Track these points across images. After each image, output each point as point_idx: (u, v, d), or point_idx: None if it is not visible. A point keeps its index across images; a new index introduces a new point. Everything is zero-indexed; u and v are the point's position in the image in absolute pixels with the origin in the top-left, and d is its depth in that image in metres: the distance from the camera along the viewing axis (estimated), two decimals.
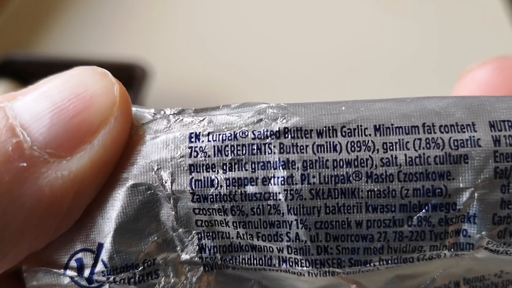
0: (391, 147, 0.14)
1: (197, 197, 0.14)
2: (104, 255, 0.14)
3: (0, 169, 0.12)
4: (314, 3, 0.55)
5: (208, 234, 0.15)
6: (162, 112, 0.15)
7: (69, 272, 0.15)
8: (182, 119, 0.15)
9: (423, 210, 0.14)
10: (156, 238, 0.15)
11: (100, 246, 0.14)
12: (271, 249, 0.15)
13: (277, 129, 0.14)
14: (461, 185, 0.14)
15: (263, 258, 0.15)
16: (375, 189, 0.14)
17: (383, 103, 0.15)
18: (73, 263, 0.15)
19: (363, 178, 0.14)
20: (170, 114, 0.15)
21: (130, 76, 0.45)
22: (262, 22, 0.54)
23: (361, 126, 0.14)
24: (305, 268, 0.15)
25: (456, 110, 0.14)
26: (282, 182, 0.14)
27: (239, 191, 0.14)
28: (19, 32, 0.53)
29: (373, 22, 0.53)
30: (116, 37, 0.53)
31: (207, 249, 0.15)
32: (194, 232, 0.15)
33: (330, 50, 0.50)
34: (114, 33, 0.53)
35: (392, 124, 0.14)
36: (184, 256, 0.15)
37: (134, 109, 0.15)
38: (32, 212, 0.13)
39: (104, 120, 0.14)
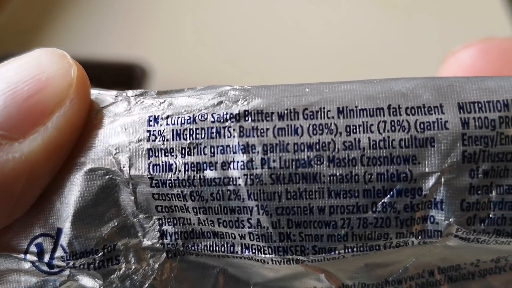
0: (354, 130, 0.13)
1: (156, 182, 0.14)
2: (63, 240, 0.14)
3: None
4: (313, 3, 0.55)
5: (169, 220, 0.14)
6: (124, 94, 0.15)
7: (30, 257, 0.14)
8: (143, 101, 0.14)
9: (388, 196, 0.13)
10: (116, 223, 0.14)
11: (59, 231, 0.14)
12: (233, 236, 0.14)
13: (237, 112, 0.14)
14: (427, 169, 0.13)
15: (225, 245, 0.14)
16: (338, 174, 0.13)
17: (349, 84, 0.14)
18: (33, 248, 0.14)
19: (325, 162, 0.13)
20: (131, 96, 0.15)
21: (130, 76, 0.45)
22: (262, 22, 0.53)
23: (324, 108, 0.13)
24: (268, 255, 0.14)
25: (423, 92, 0.13)
26: (242, 167, 0.13)
27: (198, 176, 0.14)
28: (19, 32, 0.54)
29: (372, 21, 0.52)
30: (116, 37, 0.53)
31: (168, 235, 0.14)
32: (154, 217, 0.14)
33: (330, 48, 0.50)
34: (114, 33, 0.53)
35: (356, 106, 0.13)
36: (146, 242, 0.15)
37: (96, 92, 0.15)
38: None
39: (59, 102, 0.13)
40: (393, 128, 0.13)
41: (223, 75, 0.47)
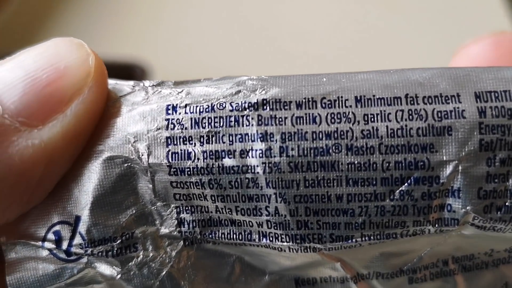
0: (372, 119, 0.13)
1: (174, 170, 0.14)
2: (82, 228, 0.14)
3: None
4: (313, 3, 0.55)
5: (186, 208, 0.14)
6: (141, 84, 0.15)
7: (47, 245, 0.14)
8: (161, 91, 0.15)
9: (405, 184, 0.13)
10: (134, 211, 0.14)
11: (78, 218, 0.14)
12: (250, 224, 0.14)
13: (256, 101, 0.14)
14: (444, 157, 0.13)
15: (242, 233, 0.15)
16: (356, 162, 0.13)
17: (366, 74, 0.14)
18: (50, 236, 0.14)
19: (343, 150, 0.13)
20: (148, 86, 0.15)
21: (130, 76, 0.45)
22: (263, 22, 0.53)
23: (341, 97, 0.14)
24: (285, 243, 0.14)
25: (440, 81, 0.13)
26: (260, 155, 0.13)
27: (217, 164, 0.14)
28: (19, 32, 0.54)
29: (373, 18, 0.52)
30: (116, 37, 0.53)
31: (186, 223, 0.15)
32: (172, 205, 0.14)
33: (331, 45, 0.50)
34: (114, 33, 0.53)
35: (373, 95, 0.14)
36: (163, 230, 0.15)
37: (113, 82, 0.15)
38: (2, 181, 0.13)
39: (78, 90, 0.13)
40: (410, 117, 0.13)
41: (223, 74, 0.47)
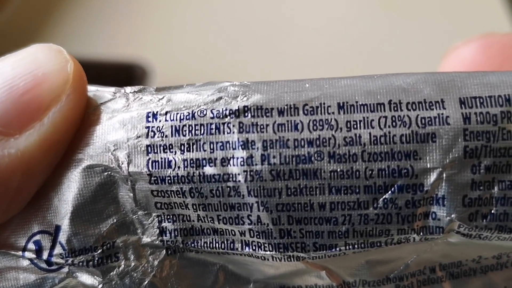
0: (355, 126, 0.13)
1: (155, 178, 0.14)
2: (62, 237, 0.14)
3: None
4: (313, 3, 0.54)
5: (168, 217, 0.14)
6: (122, 90, 0.15)
7: (28, 254, 0.14)
8: (141, 98, 0.14)
9: (389, 192, 0.13)
10: (115, 220, 0.14)
11: (58, 228, 0.14)
12: (233, 232, 0.14)
13: (237, 108, 0.14)
14: (428, 165, 0.13)
15: (225, 242, 0.14)
16: (338, 170, 0.13)
17: (349, 80, 0.14)
18: (31, 245, 0.14)
19: (325, 158, 0.13)
20: (129, 92, 0.15)
21: (130, 76, 0.45)
22: (262, 21, 0.53)
23: (324, 103, 0.13)
24: (268, 252, 0.14)
25: (424, 87, 0.13)
26: (242, 163, 0.13)
27: (197, 172, 0.13)
28: (19, 32, 0.53)
29: (371, 18, 0.52)
30: (116, 37, 0.53)
31: (167, 232, 0.14)
32: (154, 214, 0.14)
33: (328, 46, 0.50)
34: (114, 33, 0.53)
35: (356, 102, 0.13)
36: (145, 239, 0.14)
37: (94, 88, 0.15)
38: None
39: (56, 97, 0.13)
40: (394, 123, 0.13)
41: (223, 74, 0.47)
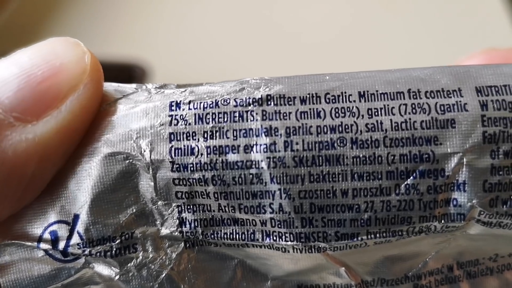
0: (376, 113, 0.13)
1: (177, 166, 0.14)
2: (80, 227, 0.14)
3: None
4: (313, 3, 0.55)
5: (188, 207, 0.14)
6: (144, 86, 0.15)
7: (43, 245, 0.14)
8: (164, 91, 0.15)
9: (411, 177, 0.13)
10: (134, 210, 0.14)
11: (76, 217, 0.14)
12: (254, 222, 0.14)
13: (260, 97, 0.14)
14: (449, 150, 0.13)
15: (245, 233, 0.14)
16: (361, 155, 0.13)
17: (368, 72, 0.14)
18: (47, 236, 0.14)
19: (348, 144, 0.13)
20: (151, 88, 0.15)
21: (130, 76, 0.45)
22: (263, 21, 0.53)
23: (345, 92, 0.14)
24: (289, 242, 0.14)
25: (441, 77, 0.14)
26: (265, 150, 0.13)
27: (220, 159, 0.14)
28: (19, 31, 0.54)
29: (372, 20, 0.52)
30: (116, 37, 0.53)
31: (187, 223, 0.14)
32: (174, 204, 0.14)
33: (330, 46, 0.49)
34: (113, 33, 0.53)
35: (376, 91, 0.14)
36: (164, 231, 0.14)
37: (116, 84, 0.15)
38: None
39: (73, 87, 0.14)
40: (414, 110, 0.13)
41: (223, 74, 0.46)
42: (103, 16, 0.55)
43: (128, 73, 0.45)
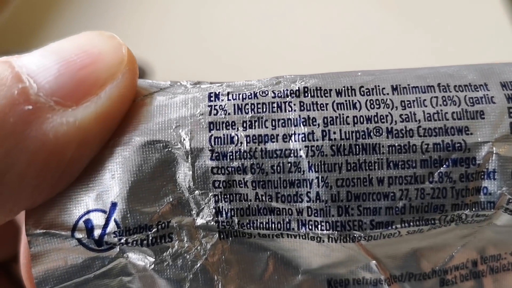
0: (409, 105, 0.14)
1: (217, 154, 0.14)
2: (117, 215, 0.14)
3: (4, 111, 0.12)
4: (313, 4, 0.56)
5: (225, 196, 0.14)
6: (179, 82, 0.15)
7: (77, 234, 0.14)
8: (200, 86, 0.15)
9: (444, 165, 0.14)
10: (171, 199, 0.14)
11: (113, 205, 0.14)
12: (290, 212, 0.14)
13: (297, 88, 0.14)
14: (479, 139, 0.14)
15: (281, 222, 0.14)
16: (396, 144, 0.14)
17: (398, 69, 0.15)
18: (81, 224, 0.14)
19: (383, 133, 0.14)
20: (187, 83, 0.15)
21: None
22: (263, 21, 0.53)
23: (378, 86, 0.14)
24: (325, 231, 0.14)
25: (468, 73, 0.15)
26: (303, 139, 0.14)
27: (260, 147, 0.14)
28: (19, 32, 0.53)
29: (372, 23, 0.52)
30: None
31: (224, 212, 0.14)
32: (211, 194, 0.14)
33: (331, 47, 0.49)
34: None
35: (408, 84, 0.14)
36: (200, 221, 0.14)
37: (150, 81, 0.15)
38: (35, 156, 0.12)
39: (112, 75, 0.14)
40: (444, 102, 0.14)
41: (223, 75, 0.46)
42: (103, 16, 0.55)
43: None
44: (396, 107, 0.14)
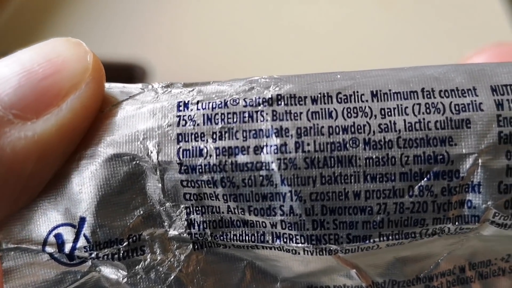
0: (389, 113, 0.13)
1: (185, 167, 0.13)
2: (87, 230, 0.14)
3: None
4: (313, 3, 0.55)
5: (197, 209, 0.14)
6: (150, 86, 0.15)
7: (48, 249, 0.14)
8: (171, 91, 0.14)
9: (425, 179, 0.13)
10: (142, 212, 0.14)
11: (82, 220, 0.14)
12: (263, 224, 0.14)
13: (270, 96, 0.13)
14: (464, 150, 0.13)
15: (255, 234, 0.14)
16: (374, 157, 0.13)
17: (380, 71, 0.14)
18: (52, 239, 0.14)
19: (360, 144, 0.13)
20: (158, 87, 0.14)
21: (130, 76, 0.44)
22: (263, 21, 0.52)
23: (357, 92, 0.13)
24: (300, 244, 0.14)
25: (456, 76, 0.13)
26: (275, 151, 0.13)
27: (230, 160, 0.13)
28: (19, 31, 0.53)
29: (372, 21, 0.52)
30: (116, 37, 0.52)
31: (196, 224, 0.14)
32: (182, 206, 0.14)
33: (331, 46, 0.49)
34: (114, 33, 0.52)
35: (389, 90, 0.13)
36: (172, 232, 0.14)
37: (121, 85, 0.15)
38: None
39: (75, 85, 0.13)
40: (428, 110, 0.13)
41: (224, 75, 0.46)
42: (103, 16, 0.55)
43: (128, 73, 0.45)
44: (375, 116, 0.13)
